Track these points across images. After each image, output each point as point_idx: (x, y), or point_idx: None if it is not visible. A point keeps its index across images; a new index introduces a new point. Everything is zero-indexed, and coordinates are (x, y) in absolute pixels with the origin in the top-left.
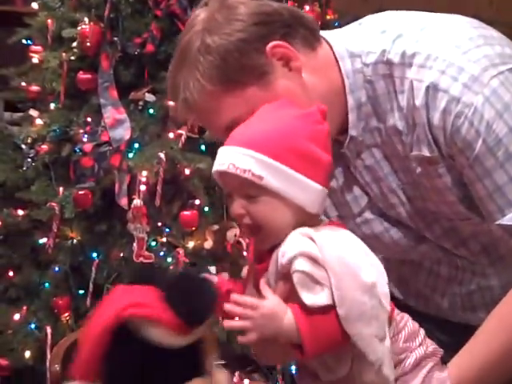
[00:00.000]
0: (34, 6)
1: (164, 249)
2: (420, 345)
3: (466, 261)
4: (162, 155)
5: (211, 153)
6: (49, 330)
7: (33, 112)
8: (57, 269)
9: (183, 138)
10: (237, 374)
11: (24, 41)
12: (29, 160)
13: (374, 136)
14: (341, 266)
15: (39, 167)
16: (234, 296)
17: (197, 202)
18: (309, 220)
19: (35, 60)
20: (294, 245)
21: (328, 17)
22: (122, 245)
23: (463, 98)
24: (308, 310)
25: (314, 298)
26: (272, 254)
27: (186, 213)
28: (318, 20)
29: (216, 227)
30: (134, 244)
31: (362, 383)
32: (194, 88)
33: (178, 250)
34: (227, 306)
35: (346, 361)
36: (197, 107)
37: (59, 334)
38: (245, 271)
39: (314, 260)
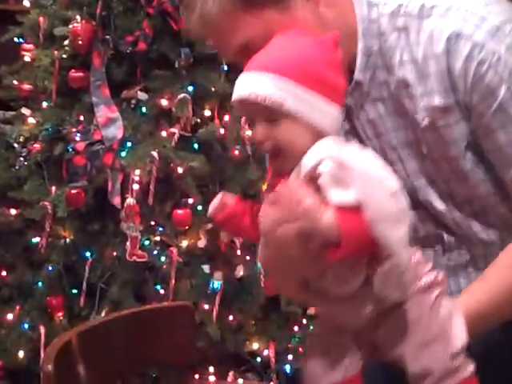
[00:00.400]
0: (26, 3)
1: (157, 248)
2: (429, 271)
3: (453, 238)
4: (154, 154)
5: (204, 151)
6: (42, 329)
7: (25, 111)
8: (50, 268)
9: (176, 137)
10: (231, 373)
11: (16, 39)
12: (21, 159)
13: (380, 89)
14: (366, 170)
15: (32, 166)
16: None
17: (190, 200)
18: None
19: (27, 58)
20: (320, 150)
21: None
22: (115, 244)
23: (486, 45)
24: (340, 210)
25: (342, 194)
26: (276, 179)
27: (179, 211)
28: None
29: (210, 226)
30: (128, 243)
31: (381, 291)
32: (212, 5)
33: (171, 249)
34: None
35: (360, 273)
36: (213, 25)
37: (53, 334)
38: (238, 270)
39: (340, 163)
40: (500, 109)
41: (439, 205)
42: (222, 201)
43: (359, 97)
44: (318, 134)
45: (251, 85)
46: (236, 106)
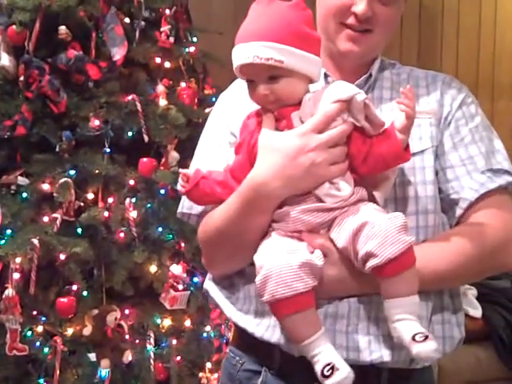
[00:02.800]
0: None
1: (40, 338)
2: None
3: None
4: (35, 241)
5: (88, 235)
6: None
7: None
8: None
9: (58, 222)
10: None
11: None
12: None
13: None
14: None
15: None
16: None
17: (74, 287)
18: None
19: None
20: (350, 87)
21: (206, 91)
22: None
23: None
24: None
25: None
26: (289, 108)
27: (62, 300)
28: (194, 96)
29: (95, 312)
30: (7, 336)
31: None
32: None
33: (55, 338)
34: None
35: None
36: None
37: None
38: (127, 355)
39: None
40: None
41: None
42: (186, 174)
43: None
44: (308, 81)
45: (253, 51)
46: (237, 72)
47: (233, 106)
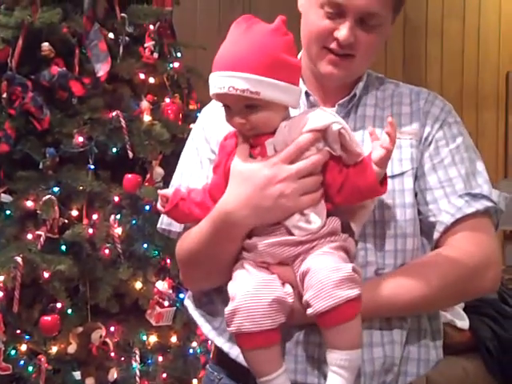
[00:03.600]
0: None
1: (24, 357)
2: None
3: None
4: (18, 259)
5: (72, 252)
6: None
7: None
8: None
9: (42, 239)
10: None
11: None
12: None
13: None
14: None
15: None
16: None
17: (58, 305)
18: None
19: None
20: (326, 115)
21: (191, 106)
22: None
23: None
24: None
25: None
26: (264, 136)
27: (46, 318)
28: (179, 111)
29: (80, 329)
30: None
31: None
32: None
33: (39, 356)
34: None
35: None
36: None
37: None
38: (112, 373)
39: (343, 126)
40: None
41: None
42: (165, 195)
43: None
44: (286, 110)
45: (229, 82)
46: (214, 98)
47: (213, 122)
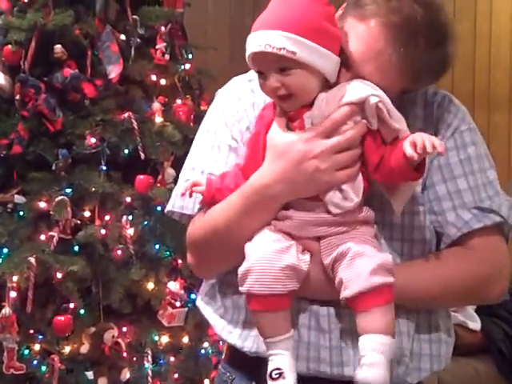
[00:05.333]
0: None
1: (38, 357)
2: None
3: None
4: (32, 260)
5: (85, 253)
6: None
7: None
8: None
9: (55, 240)
10: None
11: None
12: None
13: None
14: None
15: None
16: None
17: (71, 305)
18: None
19: None
20: (364, 88)
21: (202, 108)
22: None
23: None
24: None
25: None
26: (302, 109)
27: (59, 318)
28: (190, 112)
29: (93, 330)
30: (5, 355)
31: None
32: None
33: (52, 356)
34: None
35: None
36: None
37: None
38: (124, 373)
39: (381, 98)
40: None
41: None
42: (199, 187)
43: None
44: (322, 79)
45: (266, 39)
46: (249, 61)
47: (234, 107)
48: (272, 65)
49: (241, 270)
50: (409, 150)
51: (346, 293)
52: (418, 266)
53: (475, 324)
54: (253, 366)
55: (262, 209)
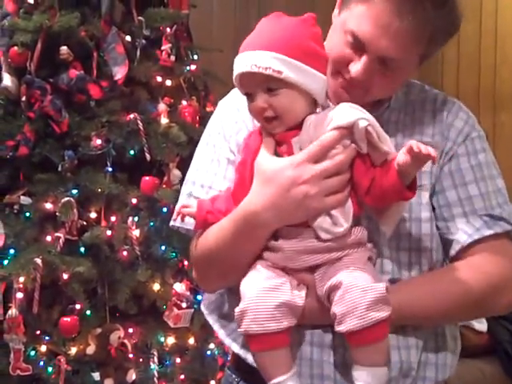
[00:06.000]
0: None
1: (44, 358)
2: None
3: None
4: (38, 261)
5: (91, 254)
6: None
7: None
8: None
9: (61, 241)
10: None
11: None
12: None
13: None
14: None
15: None
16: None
17: (77, 306)
18: (315, 110)
19: None
20: (352, 112)
21: (208, 109)
22: None
23: None
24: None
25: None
26: (290, 133)
27: (65, 319)
28: (196, 114)
29: (99, 331)
30: (11, 356)
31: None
32: None
33: (59, 357)
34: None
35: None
36: None
37: None
38: (130, 374)
39: (371, 122)
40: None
41: None
42: (190, 213)
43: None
44: (311, 100)
45: (252, 59)
46: (237, 83)
47: (232, 120)
48: (259, 85)
49: (237, 309)
50: (402, 157)
51: (340, 328)
52: (414, 284)
53: (481, 325)
54: (256, 374)
55: (250, 236)
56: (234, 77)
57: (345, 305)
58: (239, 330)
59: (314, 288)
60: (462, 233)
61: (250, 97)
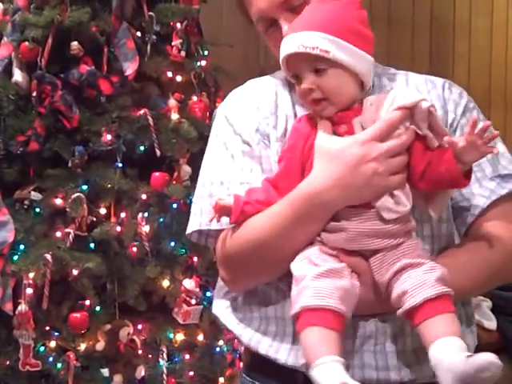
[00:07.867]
0: None
1: (53, 354)
2: None
3: None
4: (48, 256)
5: (101, 250)
6: None
7: None
8: None
9: (71, 237)
10: None
11: None
12: None
13: None
14: None
15: None
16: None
17: (87, 302)
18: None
19: None
20: (413, 93)
21: (218, 105)
22: (7, 352)
23: None
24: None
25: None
26: (349, 112)
27: (75, 315)
28: (206, 109)
29: (108, 327)
30: (21, 351)
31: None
32: None
33: (68, 353)
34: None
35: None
36: None
37: None
38: (139, 370)
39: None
40: None
41: None
42: (226, 206)
43: None
44: (358, 82)
45: (299, 40)
46: (283, 65)
47: (239, 115)
48: (306, 66)
49: (295, 289)
50: (462, 142)
51: (411, 301)
52: (454, 259)
53: (491, 323)
54: (285, 376)
55: (313, 217)
56: (280, 60)
57: (415, 279)
58: (294, 309)
59: (366, 275)
60: (480, 196)
61: (298, 79)
